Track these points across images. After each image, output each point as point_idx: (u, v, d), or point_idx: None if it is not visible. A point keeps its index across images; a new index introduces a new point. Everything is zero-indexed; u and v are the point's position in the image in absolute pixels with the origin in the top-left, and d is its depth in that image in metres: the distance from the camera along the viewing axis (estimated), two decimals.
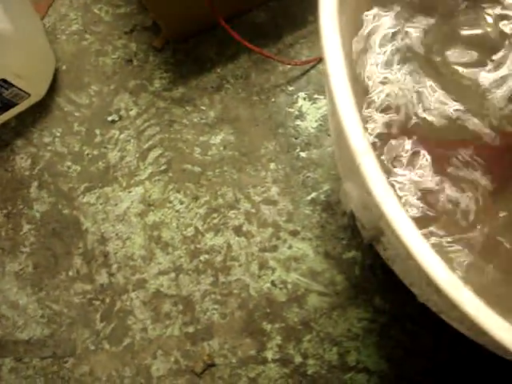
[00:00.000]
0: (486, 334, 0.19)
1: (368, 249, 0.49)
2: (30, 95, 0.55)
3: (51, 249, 0.54)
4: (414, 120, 0.32)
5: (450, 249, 0.29)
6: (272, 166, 0.53)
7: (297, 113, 0.54)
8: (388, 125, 0.32)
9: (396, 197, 0.20)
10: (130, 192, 0.54)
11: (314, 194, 0.52)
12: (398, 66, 0.33)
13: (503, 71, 0.32)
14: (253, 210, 0.52)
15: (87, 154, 0.56)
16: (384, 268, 0.48)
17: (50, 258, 0.54)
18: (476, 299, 0.19)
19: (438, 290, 0.19)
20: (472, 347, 0.28)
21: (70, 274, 0.53)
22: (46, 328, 0.53)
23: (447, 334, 0.45)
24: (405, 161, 0.31)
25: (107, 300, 0.52)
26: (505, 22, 0.33)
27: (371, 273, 0.49)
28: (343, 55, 0.22)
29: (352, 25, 0.31)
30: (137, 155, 0.55)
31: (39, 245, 0.55)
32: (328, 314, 0.49)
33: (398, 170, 0.30)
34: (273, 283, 0.50)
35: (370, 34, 0.33)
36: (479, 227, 0.31)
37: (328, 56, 0.22)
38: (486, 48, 0.33)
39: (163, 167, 0.54)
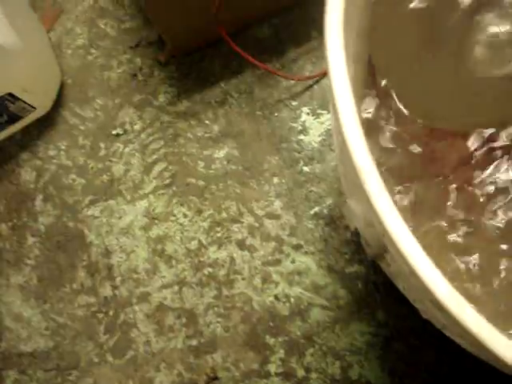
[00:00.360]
0: (487, 351, 0.19)
1: (371, 264, 0.49)
2: (35, 109, 0.55)
3: (56, 261, 0.55)
4: None
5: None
6: (275, 180, 0.53)
7: (300, 127, 0.54)
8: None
9: (399, 214, 0.20)
10: (134, 205, 0.55)
11: (317, 208, 0.52)
12: None
13: None
14: (256, 224, 0.52)
15: (92, 168, 0.56)
16: (386, 283, 0.48)
17: (54, 270, 0.54)
18: (478, 316, 0.19)
19: (440, 307, 0.19)
20: (474, 362, 0.28)
21: (74, 286, 0.54)
22: (50, 340, 0.53)
23: (449, 348, 0.45)
24: None
25: (111, 313, 0.53)
26: None
27: (374, 287, 0.49)
28: (348, 71, 0.23)
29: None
30: (141, 169, 0.55)
31: (44, 257, 0.55)
32: (331, 328, 0.49)
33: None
34: (276, 297, 0.51)
35: None
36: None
37: (333, 73, 0.23)
38: None
39: (167, 181, 0.55)
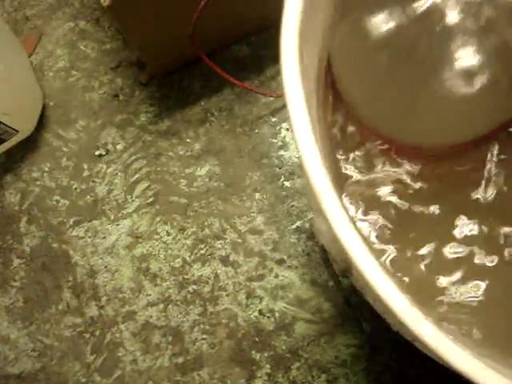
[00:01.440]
0: (449, 365, 0.20)
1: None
2: (18, 132, 0.56)
3: (41, 283, 0.55)
4: None
5: None
6: (257, 195, 0.54)
7: (280, 143, 0.55)
8: None
9: (357, 232, 0.21)
10: (118, 225, 0.55)
11: (298, 223, 0.53)
12: None
13: None
14: (239, 240, 0.53)
15: (75, 189, 0.57)
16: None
17: (40, 291, 0.55)
18: (437, 331, 0.20)
19: (400, 323, 0.20)
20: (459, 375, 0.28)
21: (60, 307, 0.54)
22: (37, 362, 0.53)
23: (435, 360, 0.45)
24: None
25: (97, 332, 0.53)
26: None
27: (355, 300, 0.50)
28: (304, 94, 0.23)
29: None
30: (124, 188, 0.56)
31: (29, 279, 0.55)
32: (316, 342, 0.50)
33: None
34: (260, 312, 0.51)
35: None
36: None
37: (289, 98, 0.23)
38: None
39: (150, 200, 0.55)
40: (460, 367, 0.19)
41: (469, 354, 0.19)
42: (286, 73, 0.23)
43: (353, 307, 0.49)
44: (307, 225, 0.52)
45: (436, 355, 0.19)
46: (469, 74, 0.32)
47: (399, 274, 0.33)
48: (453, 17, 0.31)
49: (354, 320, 0.49)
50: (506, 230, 0.33)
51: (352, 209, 0.34)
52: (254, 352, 0.50)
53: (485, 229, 0.34)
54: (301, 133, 0.21)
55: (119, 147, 0.57)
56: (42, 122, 0.59)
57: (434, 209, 0.34)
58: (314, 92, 0.29)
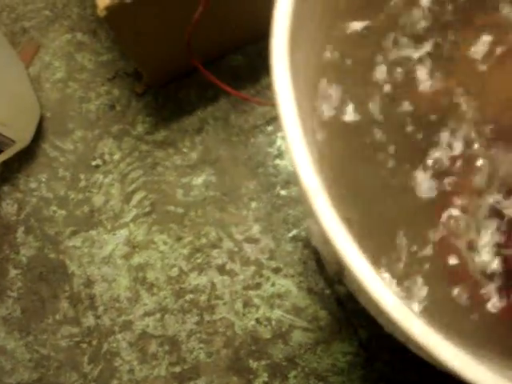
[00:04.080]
0: (439, 362, 0.20)
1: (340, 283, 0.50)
2: (15, 142, 0.56)
3: (38, 293, 0.55)
4: None
5: None
6: (253, 204, 0.54)
7: (276, 152, 0.55)
8: None
9: (348, 233, 0.21)
10: (114, 234, 0.55)
11: (295, 231, 0.53)
12: None
13: None
14: (235, 249, 0.53)
15: (72, 199, 0.57)
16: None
17: (36, 302, 0.55)
18: (426, 327, 0.20)
19: (391, 321, 0.20)
20: (457, 381, 0.28)
21: (57, 317, 0.54)
22: (34, 372, 0.53)
23: (431, 367, 0.45)
24: None
25: (94, 342, 0.53)
26: None
27: (351, 306, 0.50)
28: (295, 96, 0.24)
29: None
30: (121, 198, 0.56)
31: (26, 289, 0.55)
32: (312, 350, 0.50)
33: None
34: (257, 320, 0.51)
35: None
36: None
37: (280, 100, 0.23)
38: None
39: (147, 209, 0.55)
40: (451, 364, 0.19)
41: (460, 350, 0.19)
42: (276, 76, 0.23)
43: (349, 314, 0.50)
44: (303, 233, 0.52)
45: (427, 353, 0.19)
46: None
47: None
48: None
49: (351, 328, 0.49)
50: None
51: None
52: (251, 361, 0.50)
53: None
54: (292, 135, 0.22)
55: (116, 157, 0.57)
56: (39, 133, 0.59)
57: None
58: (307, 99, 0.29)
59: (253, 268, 0.52)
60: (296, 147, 0.21)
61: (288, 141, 0.22)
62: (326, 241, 0.20)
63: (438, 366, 0.24)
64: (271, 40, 0.25)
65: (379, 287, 0.19)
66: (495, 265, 0.30)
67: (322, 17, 0.31)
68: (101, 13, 0.44)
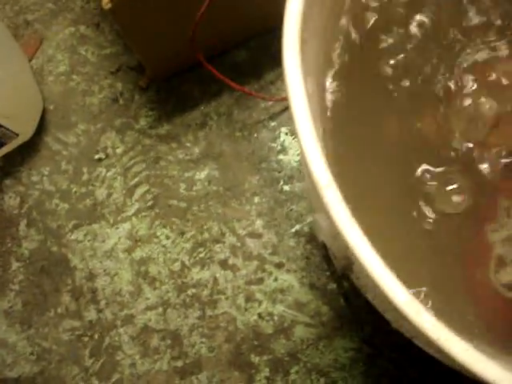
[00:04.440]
0: (449, 357, 0.20)
1: (346, 279, 0.50)
2: (18, 135, 0.56)
3: (40, 286, 0.55)
4: None
5: None
6: (256, 199, 0.54)
7: (279, 147, 0.55)
8: None
9: (357, 226, 0.21)
10: (117, 228, 0.55)
11: (297, 227, 0.53)
12: None
13: None
14: (238, 244, 0.53)
15: (75, 192, 0.57)
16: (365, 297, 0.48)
17: (38, 295, 0.55)
18: (437, 322, 0.20)
19: (401, 315, 0.20)
20: (458, 378, 0.28)
21: (59, 311, 0.54)
22: (36, 366, 0.53)
23: (433, 364, 0.45)
24: None
25: (96, 336, 0.53)
26: None
27: (354, 302, 0.50)
28: (306, 93, 0.24)
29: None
30: (123, 192, 0.56)
31: (28, 282, 0.55)
32: (315, 345, 0.50)
33: None
34: (260, 315, 0.51)
35: None
36: None
37: (291, 93, 0.23)
38: None
39: (150, 203, 0.55)
40: (461, 359, 0.19)
41: (470, 345, 0.19)
42: (287, 69, 0.23)
43: (352, 310, 0.50)
44: (306, 228, 0.52)
45: (437, 348, 0.19)
46: None
47: None
48: None
49: (353, 323, 0.49)
50: None
51: None
52: (252, 356, 0.50)
53: None
54: (303, 129, 0.21)
55: (119, 151, 0.57)
56: (41, 126, 0.59)
57: None
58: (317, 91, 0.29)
59: (255, 263, 0.52)
60: (307, 143, 0.21)
61: (299, 137, 0.22)
62: (336, 236, 0.20)
63: (444, 361, 0.24)
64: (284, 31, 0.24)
65: (391, 282, 0.19)
66: None
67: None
68: (105, 6, 0.44)
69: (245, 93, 0.55)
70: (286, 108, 0.56)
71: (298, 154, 0.55)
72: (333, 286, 0.51)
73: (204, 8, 0.45)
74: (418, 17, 0.35)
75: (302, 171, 0.54)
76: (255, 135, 0.56)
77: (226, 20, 0.53)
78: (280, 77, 0.57)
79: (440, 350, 0.19)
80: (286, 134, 0.56)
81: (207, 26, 0.48)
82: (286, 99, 0.55)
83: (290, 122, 0.56)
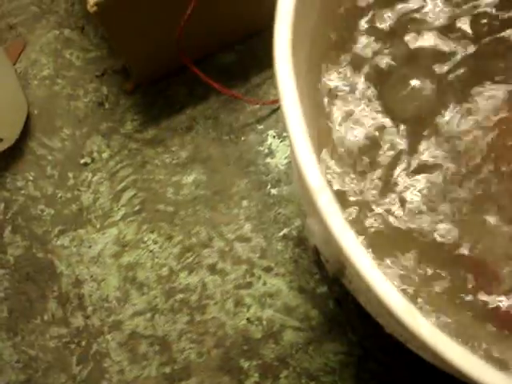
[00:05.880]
0: (446, 362, 0.20)
1: (337, 283, 0.49)
2: (1, 140, 0.55)
3: (26, 293, 0.54)
4: None
5: None
6: (244, 203, 0.54)
7: (266, 151, 0.55)
8: None
9: (352, 231, 0.21)
10: (103, 233, 0.55)
11: (285, 230, 0.53)
12: None
13: None
14: (226, 248, 0.53)
15: (60, 197, 0.56)
16: (356, 301, 0.48)
17: (24, 302, 0.54)
18: (433, 327, 0.20)
19: (397, 321, 0.20)
20: (449, 380, 0.28)
21: (45, 318, 0.53)
22: (22, 374, 0.52)
23: (424, 364, 0.45)
24: None
25: (83, 343, 0.52)
26: None
27: (345, 306, 0.50)
28: (298, 95, 0.23)
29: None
30: (110, 197, 0.55)
31: (14, 289, 0.55)
32: (304, 349, 0.49)
33: None
34: (248, 320, 0.51)
35: None
36: None
37: (283, 95, 0.23)
38: None
39: (137, 208, 0.55)
40: (459, 364, 0.19)
41: (467, 350, 0.19)
42: (279, 69, 0.23)
43: (342, 313, 0.49)
44: (294, 232, 0.52)
45: (434, 353, 0.19)
46: None
47: None
48: None
49: (343, 327, 0.49)
50: None
51: None
52: (242, 360, 0.50)
53: None
54: (295, 131, 0.21)
55: (105, 155, 0.57)
56: (26, 131, 0.58)
57: None
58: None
59: (244, 267, 0.52)
60: (300, 146, 0.21)
61: (291, 140, 0.22)
62: (329, 241, 0.20)
63: (440, 366, 0.24)
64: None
65: (387, 288, 0.19)
66: None
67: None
68: (91, 8, 0.44)
69: (232, 96, 0.55)
70: (274, 111, 0.56)
71: (285, 157, 0.55)
72: (322, 289, 0.51)
73: (190, 11, 0.45)
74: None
75: (289, 175, 0.54)
76: (242, 138, 0.56)
77: (212, 23, 0.53)
78: (267, 80, 0.57)
79: (437, 355, 0.19)
80: (274, 137, 0.55)
81: (193, 29, 0.47)
82: (273, 102, 0.55)
83: (277, 125, 0.56)
